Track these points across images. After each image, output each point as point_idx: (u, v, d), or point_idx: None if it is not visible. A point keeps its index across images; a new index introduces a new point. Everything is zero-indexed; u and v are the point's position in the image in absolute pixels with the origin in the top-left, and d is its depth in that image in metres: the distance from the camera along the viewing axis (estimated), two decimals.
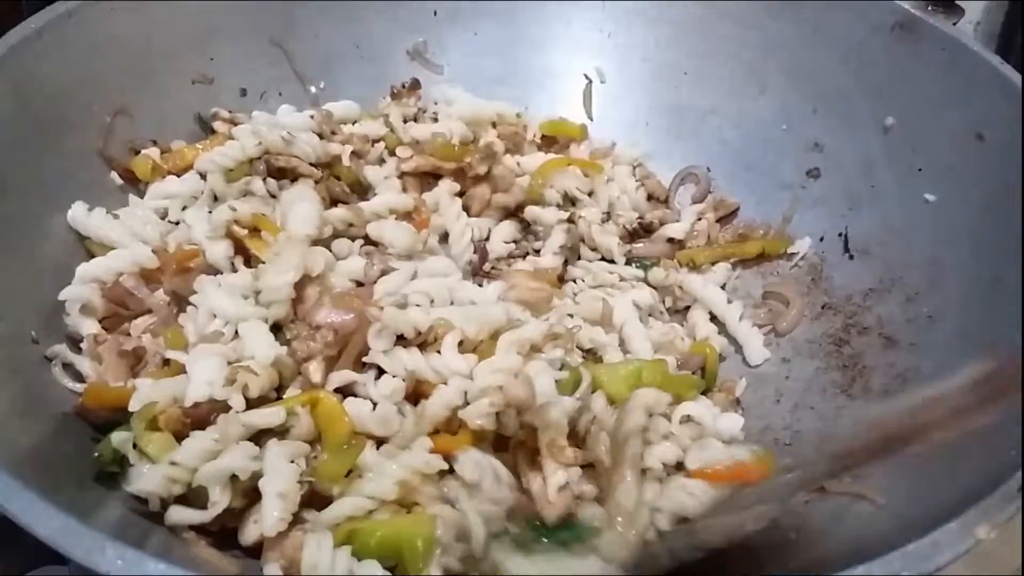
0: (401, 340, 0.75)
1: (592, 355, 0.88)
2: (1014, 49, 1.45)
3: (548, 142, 1.13)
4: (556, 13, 1.20)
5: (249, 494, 0.68)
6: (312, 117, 1.02)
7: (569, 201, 1.04)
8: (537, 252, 1.01)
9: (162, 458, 0.67)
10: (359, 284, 0.83)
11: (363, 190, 1.00)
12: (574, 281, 1.00)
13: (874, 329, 0.90)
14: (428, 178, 1.02)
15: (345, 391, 0.74)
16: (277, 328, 0.77)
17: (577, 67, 1.21)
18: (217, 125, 1.01)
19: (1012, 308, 0.75)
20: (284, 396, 0.73)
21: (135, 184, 0.96)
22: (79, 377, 0.79)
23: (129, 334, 0.82)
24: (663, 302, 1.01)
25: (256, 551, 0.68)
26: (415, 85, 1.13)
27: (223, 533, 0.69)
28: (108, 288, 0.83)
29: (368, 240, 0.91)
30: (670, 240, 1.06)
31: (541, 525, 0.68)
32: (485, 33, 1.20)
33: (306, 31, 1.13)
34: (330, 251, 0.86)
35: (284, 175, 0.93)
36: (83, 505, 0.63)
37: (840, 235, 0.99)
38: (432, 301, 0.80)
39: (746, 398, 0.92)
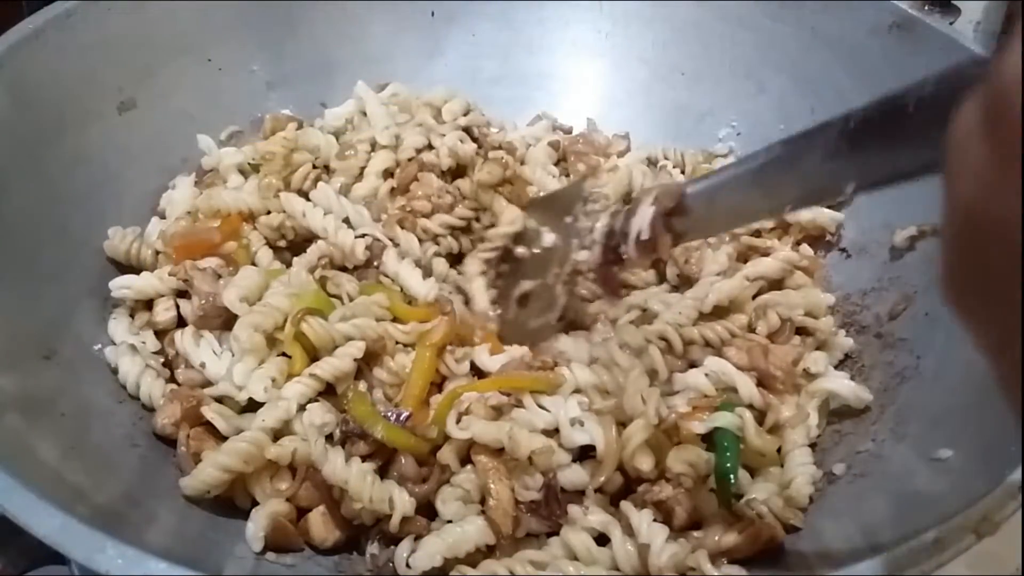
0: None
1: None
2: None
3: None
4: (554, 14, 1.20)
5: None
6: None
7: None
8: None
9: None
10: None
11: None
12: None
13: (872, 328, 0.90)
14: None
15: None
16: None
17: (575, 68, 1.21)
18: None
19: None
20: None
21: None
22: None
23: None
24: None
25: None
26: None
27: None
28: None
29: None
30: None
31: None
32: (483, 34, 1.20)
33: (305, 32, 1.13)
34: None
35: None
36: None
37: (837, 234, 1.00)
38: None
39: None
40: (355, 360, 0.78)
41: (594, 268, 0.84)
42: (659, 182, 1.04)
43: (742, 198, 0.68)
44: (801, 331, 0.88)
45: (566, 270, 0.88)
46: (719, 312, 0.87)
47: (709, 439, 0.76)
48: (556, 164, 1.08)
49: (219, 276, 0.85)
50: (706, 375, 0.79)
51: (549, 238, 0.92)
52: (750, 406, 0.77)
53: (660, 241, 0.74)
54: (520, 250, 0.92)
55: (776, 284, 0.92)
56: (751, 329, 0.86)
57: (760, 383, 0.79)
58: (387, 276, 0.90)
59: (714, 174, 0.73)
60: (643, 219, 0.75)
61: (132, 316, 0.87)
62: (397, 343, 0.83)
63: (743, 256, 0.96)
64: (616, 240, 0.79)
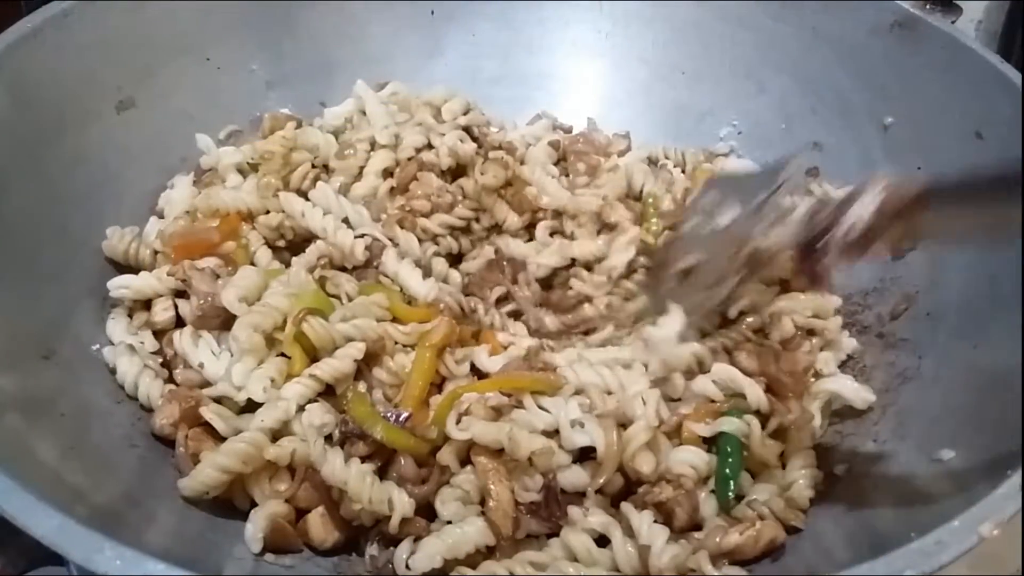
0: None
1: None
2: (1015, 48, 1.46)
3: None
4: (554, 14, 1.20)
5: None
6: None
7: None
8: None
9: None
10: None
11: None
12: None
13: (874, 328, 0.90)
14: None
15: None
16: None
17: (575, 68, 1.21)
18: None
19: (1011, 307, 0.75)
20: None
21: None
22: None
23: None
24: None
25: None
26: None
27: None
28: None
29: None
30: None
31: None
32: (482, 34, 1.20)
33: (304, 32, 1.13)
34: None
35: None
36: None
37: None
38: None
39: None
40: (355, 361, 0.78)
41: (794, 251, 0.74)
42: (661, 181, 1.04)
43: (998, 207, 0.59)
44: (808, 332, 0.88)
45: (744, 252, 0.80)
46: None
47: (711, 439, 0.76)
48: (556, 164, 1.07)
49: (218, 276, 0.85)
50: (713, 381, 0.79)
51: (727, 216, 0.83)
52: (756, 412, 0.77)
53: (879, 238, 0.63)
54: (691, 224, 0.87)
55: (784, 284, 0.92)
56: (764, 333, 0.86)
57: (768, 388, 0.79)
58: (387, 276, 0.90)
59: (968, 171, 0.61)
60: (865, 208, 0.63)
61: (131, 316, 0.87)
62: (397, 343, 0.83)
63: None
64: (820, 228, 0.68)
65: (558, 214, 0.97)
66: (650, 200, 1.00)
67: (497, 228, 0.98)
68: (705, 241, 0.85)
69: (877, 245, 0.64)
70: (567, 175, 1.06)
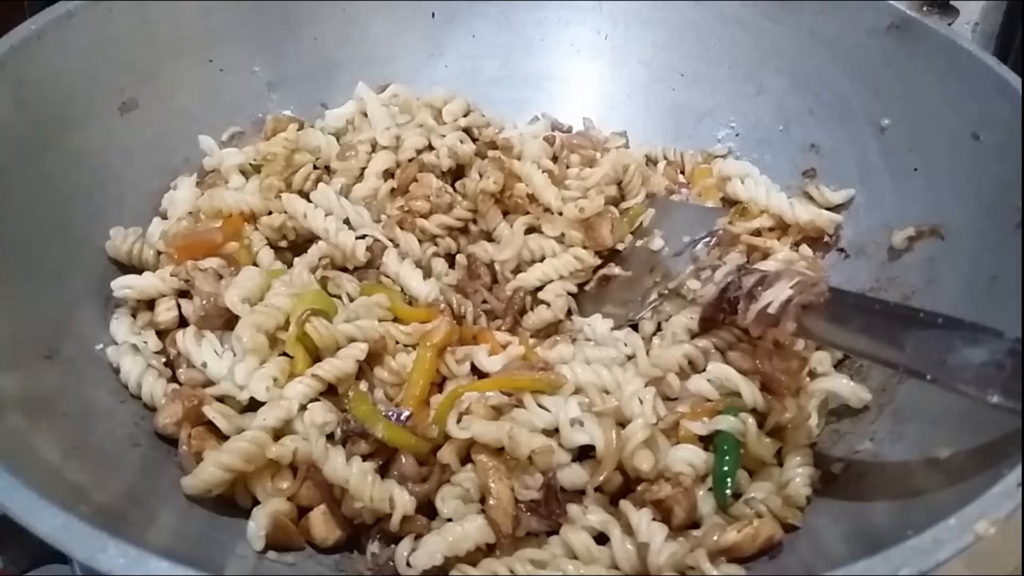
0: None
1: None
2: (1012, 49, 1.46)
3: None
4: (554, 15, 1.20)
5: None
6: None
7: None
8: None
9: None
10: None
11: None
12: None
13: None
14: None
15: None
16: None
17: (574, 69, 1.21)
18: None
19: (1008, 308, 0.75)
20: None
21: None
22: None
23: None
24: None
25: None
26: None
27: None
28: None
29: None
30: None
31: None
32: (483, 35, 1.21)
33: (305, 33, 1.13)
34: None
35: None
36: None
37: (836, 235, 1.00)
38: None
39: None
40: (357, 360, 0.78)
41: (703, 305, 0.83)
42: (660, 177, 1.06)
43: (874, 332, 0.70)
44: None
45: (665, 283, 0.90)
46: None
47: (708, 438, 0.76)
48: (554, 160, 1.07)
49: (221, 276, 0.86)
50: (709, 380, 0.79)
51: (658, 242, 0.94)
52: (753, 410, 0.77)
53: (785, 324, 0.74)
54: (624, 243, 0.94)
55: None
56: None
57: (764, 387, 0.79)
58: (387, 277, 0.90)
59: (863, 297, 0.76)
60: (779, 294, 0.75)
61: (134, 316, 0.88)
62: (398, 343, 0.84)
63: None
64: (735, 294, 0.79)
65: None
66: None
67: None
68: (632, 256, 0.93)
69: (784, 324, 0.74)
70: (567, 167, 1.06)
